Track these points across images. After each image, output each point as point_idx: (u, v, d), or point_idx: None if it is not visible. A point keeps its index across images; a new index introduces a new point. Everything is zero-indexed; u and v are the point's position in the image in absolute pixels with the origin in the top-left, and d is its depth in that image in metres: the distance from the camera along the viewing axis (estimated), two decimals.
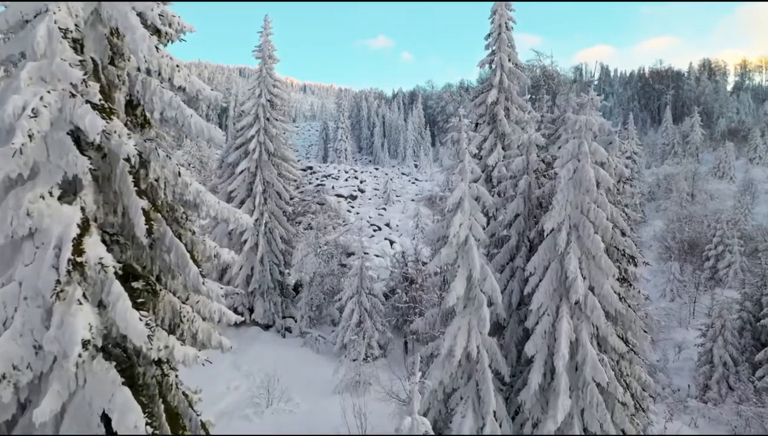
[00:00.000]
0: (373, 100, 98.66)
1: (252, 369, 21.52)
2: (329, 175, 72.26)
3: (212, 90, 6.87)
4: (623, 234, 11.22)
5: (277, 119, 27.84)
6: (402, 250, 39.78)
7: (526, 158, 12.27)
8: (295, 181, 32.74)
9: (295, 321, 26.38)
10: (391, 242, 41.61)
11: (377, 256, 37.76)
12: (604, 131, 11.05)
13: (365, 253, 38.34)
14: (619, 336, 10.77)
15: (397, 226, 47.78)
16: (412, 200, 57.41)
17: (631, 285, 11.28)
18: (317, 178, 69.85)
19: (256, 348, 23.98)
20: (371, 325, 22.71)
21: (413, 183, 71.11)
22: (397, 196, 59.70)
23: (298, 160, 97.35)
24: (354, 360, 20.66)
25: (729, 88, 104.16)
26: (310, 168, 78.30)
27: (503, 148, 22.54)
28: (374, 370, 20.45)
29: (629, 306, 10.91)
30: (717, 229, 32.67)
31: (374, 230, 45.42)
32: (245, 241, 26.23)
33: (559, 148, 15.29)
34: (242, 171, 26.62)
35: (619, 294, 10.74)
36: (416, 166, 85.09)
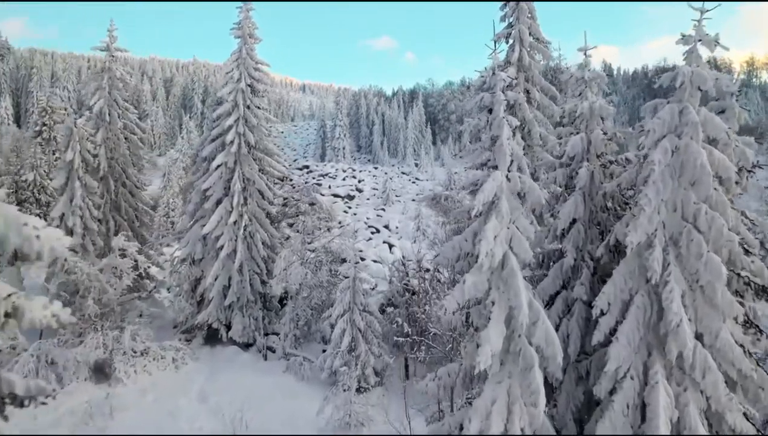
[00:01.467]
0: (372, 97, 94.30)
1: (222, 402, 17.40)
2: (326, 175, 68.22)
3: None
4: (747, 252, 7.17)
5: (259, 107, 23.75)
6: (402, 255, 35.69)
7: (587, 137, 8.18)
8: (284, 179, 28.83)
9: (281, 339, 22.28)
10: (390, 246, 37.50)
11: (375, 261, 33.68)
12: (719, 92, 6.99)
13: (361, 259, 34.21)
14: (742, 411, 6.76)
15: (397, 228, 43.69)
16: (413, 200, 53.30)
17: (760, 332, 7.17)
18: (314, 178, 65.83)
19: (230, 374, 19.89)
20: (366, 349, 18.62)
21: (414, 182, 67.03)
22: (396, 196, 55.60)
23: (295, 160, 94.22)
24: (345, 391, 16.65)
25: (736, 86, 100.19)
26: (307, 167, 74.26)
27: (523, 139, 18.44)
28: (368, 407, 16.38)
29: (758, 364, 6.86)
30: (756, 233, 28.54)
31: (372, 233, 41.33)
32: (221, 247, 22.19)
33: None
34: (218, 166, 22.52)
35: (743, 346, 6.74)
36: (417, 165, 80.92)
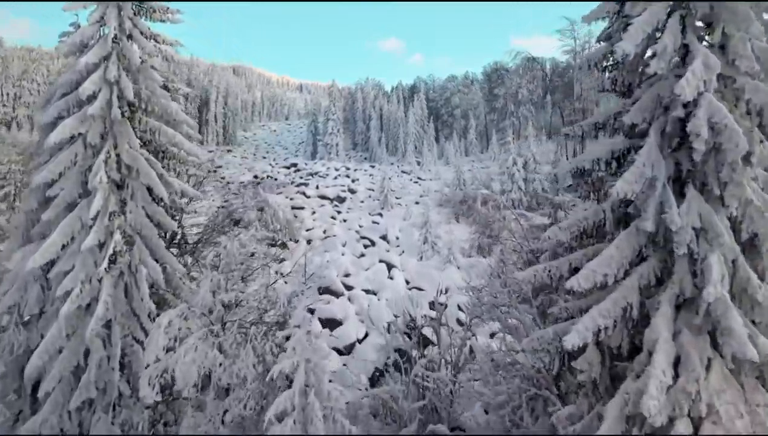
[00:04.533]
0: (370, 91, 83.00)
1: None
2: (316, 173, 57.10)
3: None
4: None
5: (152, 39, 12.71)
6: (407, 285, 24.38)
7: None
8: (265, 178, 17.93)
9: None
10: (389, 266, 26.23)
11: (367, 292, 22.47)
12: None
13: (347, 287, 22.86)
14: None
15: (398, 238, 32.47)
16: (416, 203, 42.20)
17: None
18: (301, 177, 54.72)
19: None
20: None
21: (416, 182, 55.91)
22: (396, 198, 44.46)
23: (286, 158, 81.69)
24: None
25: None
26: (294, 165, 63.16)
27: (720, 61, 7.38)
28: None
29: None
30: None
31: (365, 246, 30.14)
32: (69, 292, 11.13)
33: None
34: (71, 140, 11.59)
35: None
36: (419, 163, 69.82)
